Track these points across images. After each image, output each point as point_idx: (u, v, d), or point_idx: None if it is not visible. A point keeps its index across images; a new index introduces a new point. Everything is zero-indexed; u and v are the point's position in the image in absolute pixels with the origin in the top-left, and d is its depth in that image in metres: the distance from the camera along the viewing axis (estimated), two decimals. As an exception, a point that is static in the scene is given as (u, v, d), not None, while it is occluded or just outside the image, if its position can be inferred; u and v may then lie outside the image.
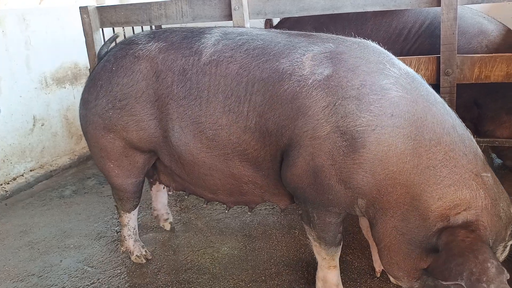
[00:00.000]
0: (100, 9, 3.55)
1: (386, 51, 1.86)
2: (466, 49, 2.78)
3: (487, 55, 2.65)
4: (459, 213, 1.55)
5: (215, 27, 2.19)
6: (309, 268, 2.40)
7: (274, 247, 2.64)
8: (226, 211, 3.12)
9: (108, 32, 3.90)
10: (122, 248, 2.64)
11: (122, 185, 2.39)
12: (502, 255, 1.63)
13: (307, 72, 1.79)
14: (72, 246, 2.88)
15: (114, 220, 3.19)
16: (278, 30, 2.09)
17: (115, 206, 2.63)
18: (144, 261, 2.59)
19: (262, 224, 2.92)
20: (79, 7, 3.53)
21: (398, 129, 1.61)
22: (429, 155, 1.59)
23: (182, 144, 2.06)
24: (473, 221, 1.54)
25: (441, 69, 2.69)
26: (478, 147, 1.67)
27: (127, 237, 2.59)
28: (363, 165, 1.65)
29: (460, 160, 1.58)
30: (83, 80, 4.78)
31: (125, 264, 2.62)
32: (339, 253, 2.06)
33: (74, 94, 4.72)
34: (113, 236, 2.95)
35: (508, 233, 1.59)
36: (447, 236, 1.52)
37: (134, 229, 2.60)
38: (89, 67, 3.61)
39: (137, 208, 2.55)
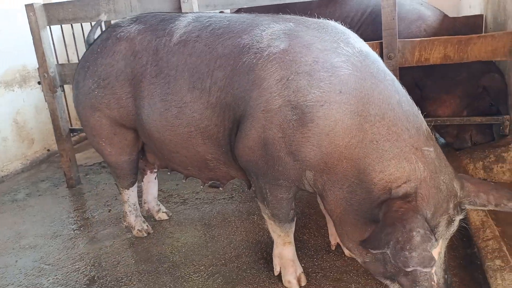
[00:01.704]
0: (47, 6, 3.49)
1: (348, 30, 1.92)
2: (406, 33, 2.93)
3: (426, 38, 2.81)
4: (400, 186, 1.60)
5: (193, 12, 2.30)
6: (268, 249, 2.45)
7: (233, 233, 2.68)
8: (186, 203, 3.15)
9: (56, 29, 3.83)
10: (124, 224, 2.78)
11: (117, 163, 2.51)
12: (449, 229, 1.66)
13: (264, 45, 1.86)
14: (27, 246, 2.81)
15: (70, 219, 3.13)
16: (248, 14, 2.17)
17: (115, 184, 2.74)
18: (145, 234, 2.74)
19: (221, 213, 2.96)
20: (25, 4, 3.46)
21: (345, 105, 1.68)
22: (374, 130, 1.65)
23: (150, 121, 2.17)
24: (412, 193, 1.58)
25: (383, 53, 2.83)
26: (423, 122, 1.72)
27: (128, 213, 2.74)
28: (311, 138, 1.72)
29: (402, 134, 1.64)
30: (33, 83, 4.65)
31: (83, 259, 2.58)
32: (293, 229, 2.13)
33: (23, 97, 4.59)
34: (70, 234, 2.90)
35: (451, 205, 1.62)
36: (385, 207, 1.57)
37: (135, 205, 2.73)
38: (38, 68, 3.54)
39: (136, 184, 2.68)
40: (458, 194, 1.64)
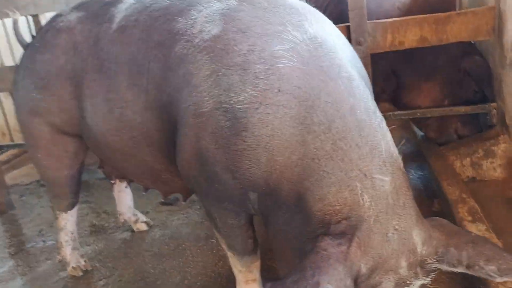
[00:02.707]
0: (-49, 3, 2.92)
1: (310, 10, 1.50)
2: (379, 12, 2.54)
3: (399, 19, 2.43)
4: (340, 221, 1.18)
5: None
6: (230, 284, 2.03)
7: (188, 264, 2.25)
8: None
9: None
10: (58, 257, 2.38)
11: (54, 179, 2.19)
12: None
13: (197, 30, 1.49)
14: None
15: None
16: None
17: (51, 207, 2.40)
18: (80, 273, 2.32)
19: (174, 238, 2.51)
20: None
21: (285, 109, 1.28)
22: (316, 144, 1.24)
23: (94, 125, 1.85)
24: (348, 234, 1.16)
25: (352, 38, 2.42)
26: (384, 139, 1.27)
27: (64, 244, 2.34)
28: (246, 152, 1.32)
29: (349, 152, 1.22)
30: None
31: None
32: (257, 264, 1.74)
33: None
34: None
35: (404, 263, 1.18)
36: (312, 244, 1.17)
37: (73, 234, 2.35)
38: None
39: (76, 208, 2.31)
40: (418, 250, 1.19)
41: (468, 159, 2.47)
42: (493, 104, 2.47)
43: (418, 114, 2.59)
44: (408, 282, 1.18)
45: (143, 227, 2.65)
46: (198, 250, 2.36)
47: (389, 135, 1.30)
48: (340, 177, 1.20)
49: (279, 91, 1.28)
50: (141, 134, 1.71)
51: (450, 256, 1.17)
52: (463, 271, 1.17)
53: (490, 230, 1.77)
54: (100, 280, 2.25)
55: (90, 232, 2.73)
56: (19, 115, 2.13)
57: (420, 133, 2.92)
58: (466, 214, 1.91)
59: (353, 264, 1.12)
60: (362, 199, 1.18)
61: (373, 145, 1.23)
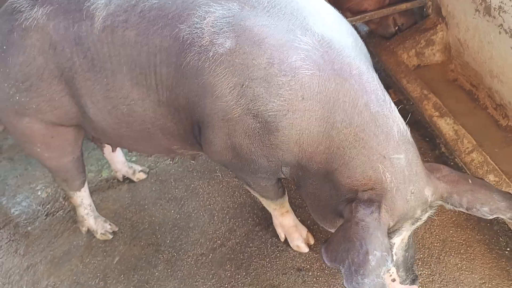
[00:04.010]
0: None
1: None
2: None
3: None
4: (366, 190, 1.54)
5: None
6: (256, 211, 2.38)
7: (208, 203, 2.52)
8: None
9: None
10: (83, 229, 2.51)
11: (60, 166, 2.23)
12: (416, 224, 1.63)
13: (207, 41, 1.56)
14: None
15: None
16: None
17: (62, 189, 2.45)
18: (110, 236, 2.49)
19: (178, 180, 2.72)
20: None
21: (310, 113, 1.52)
22: (340, 137, 1.52)
23: (100, 119, 1.89)
24: (376, 202, 1.49)
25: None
26: (395, 123, 1.53)
27: (85, 216, 2.48)
28: (279, 145, 1.60)
29: (369, 141, 1.51)
30: None
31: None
32: (287, 199, 2.11)
33: None
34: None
35: (418, 211, 1.58)
36: (348, 213, 1.50)
37: (90, 205, 2.48)
38: None
39: (86, 182, 2.40)
40: (429, 200, 1.59)
41: (413, 50, 2.86)
42: (428, -3, 2.80)
43: (367, 17, 2.85)
44: (420, 218, 1.61)
45: (142, 176, 2.80)
46: (209, 187, 2.61)
47: (397, 115, 1.57)
48: (364, 161, 1.52)
49: (303, 98, 1.49)
50: (156, 126, 1.82)
51: (453, 201, 1.58)
52: (463, 211, 1.59)
53: (457, 123, 2.24)
54: (135, 237, 2.45)
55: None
56: (4, 116, 2.03)
57: (364, 28, 3.22)
58: (433, 110, 2.35)
59: (385, 225, 1.49)
60: (385, 176, 1.51)
61: (387, 131, 1.52)
